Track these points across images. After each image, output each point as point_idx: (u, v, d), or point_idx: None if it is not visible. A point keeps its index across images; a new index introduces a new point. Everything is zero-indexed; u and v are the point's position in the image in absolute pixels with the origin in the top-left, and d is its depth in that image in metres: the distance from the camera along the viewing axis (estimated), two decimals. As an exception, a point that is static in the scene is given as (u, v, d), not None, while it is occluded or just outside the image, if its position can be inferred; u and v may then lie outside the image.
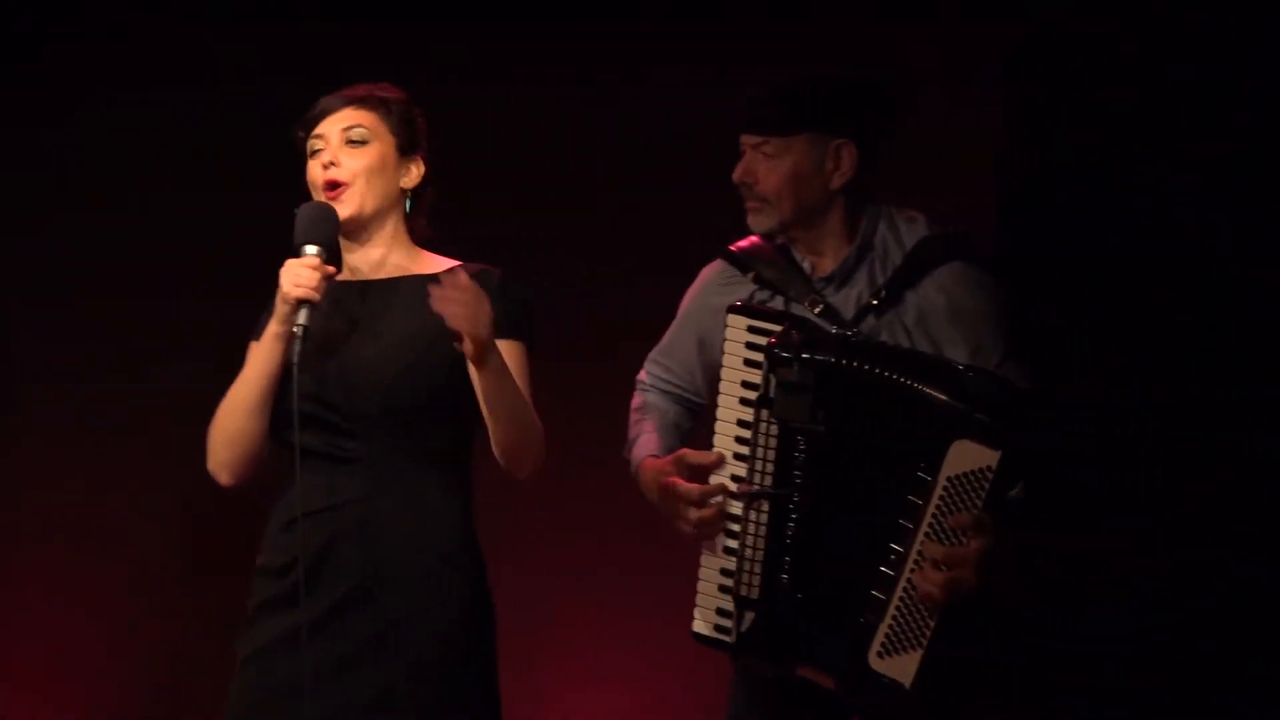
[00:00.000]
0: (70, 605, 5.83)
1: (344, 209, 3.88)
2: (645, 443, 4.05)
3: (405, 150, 3.95)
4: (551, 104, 5.62)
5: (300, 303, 3.77)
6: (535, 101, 5.63)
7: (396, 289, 3.93)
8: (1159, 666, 5.13)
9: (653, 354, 4.17)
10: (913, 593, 3.71)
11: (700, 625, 3.91)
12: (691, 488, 3.85)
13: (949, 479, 3.69)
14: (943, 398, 3.69)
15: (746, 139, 3.94)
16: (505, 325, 3.85)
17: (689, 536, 3.87)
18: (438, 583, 3.84)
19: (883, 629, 3.74)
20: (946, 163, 5.15)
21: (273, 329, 3.82)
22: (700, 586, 3.90)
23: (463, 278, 3.74)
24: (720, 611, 3.88)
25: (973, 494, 3.68)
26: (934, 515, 3.70)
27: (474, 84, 5.64)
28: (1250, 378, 5.17)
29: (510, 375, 3.81)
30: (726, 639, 3.88)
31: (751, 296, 3.97)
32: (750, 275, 4.00)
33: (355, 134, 3.91)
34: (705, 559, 3.89)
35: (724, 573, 3.87)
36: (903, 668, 3.74)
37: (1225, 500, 5.13)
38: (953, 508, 3.68)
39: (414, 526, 3.84)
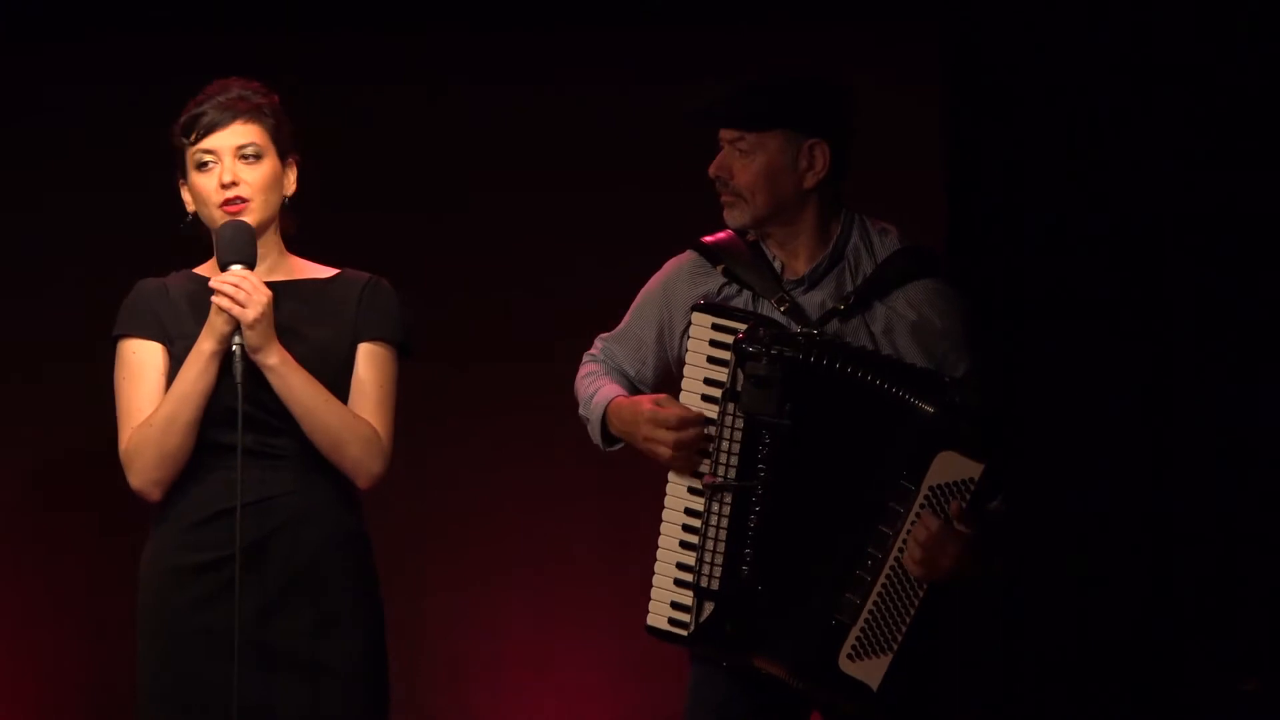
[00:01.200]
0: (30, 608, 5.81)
1: (248, 219, 3.97)
2: (609, 389, 4.07)
3: (283, 158, 4.04)
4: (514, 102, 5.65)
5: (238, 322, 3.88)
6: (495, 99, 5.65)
7: (299, 291, 4.04)
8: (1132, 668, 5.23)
9: (606, 335, 4.19)
10: (888, 600, 3.76)
11: (655, 619, 3.94)
12: (673, 411, 3.88)
13: (931, 488, 3.74)
14: (929, 408, 3.74)
15: (723, 134, 3.97)
16: (394, 331, 4.03)
17: (667, 460, 3.89)
18: (356, 570, 4.00)
19: (855, 631, 3.79)
20: (894, 163, 5.20)
21: (208, 347, 3.91)
22: (656, 580, 3.93)
23: (237, 269, 3.88)
24: (675, 605, 3.91)
25: (953, 503, 3.73)
26: (912, 523, 3.75)
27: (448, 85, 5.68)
28: (1215, 378, 5.24)
29: (299, 374, 3.92)
30: (682, 632, 3.91)
31: (719, 290, 4.00)
32: (720, 268, 4.02)
33: (249, 150, 3.98)
34: (661, 554, 3.92)
35: (681, 567, 3.90)
36: (871, 671, 3.78)
37: (1188, 502, 5.24)
38: (934, 514, 3.73)
39: (336, 516, 3.98)
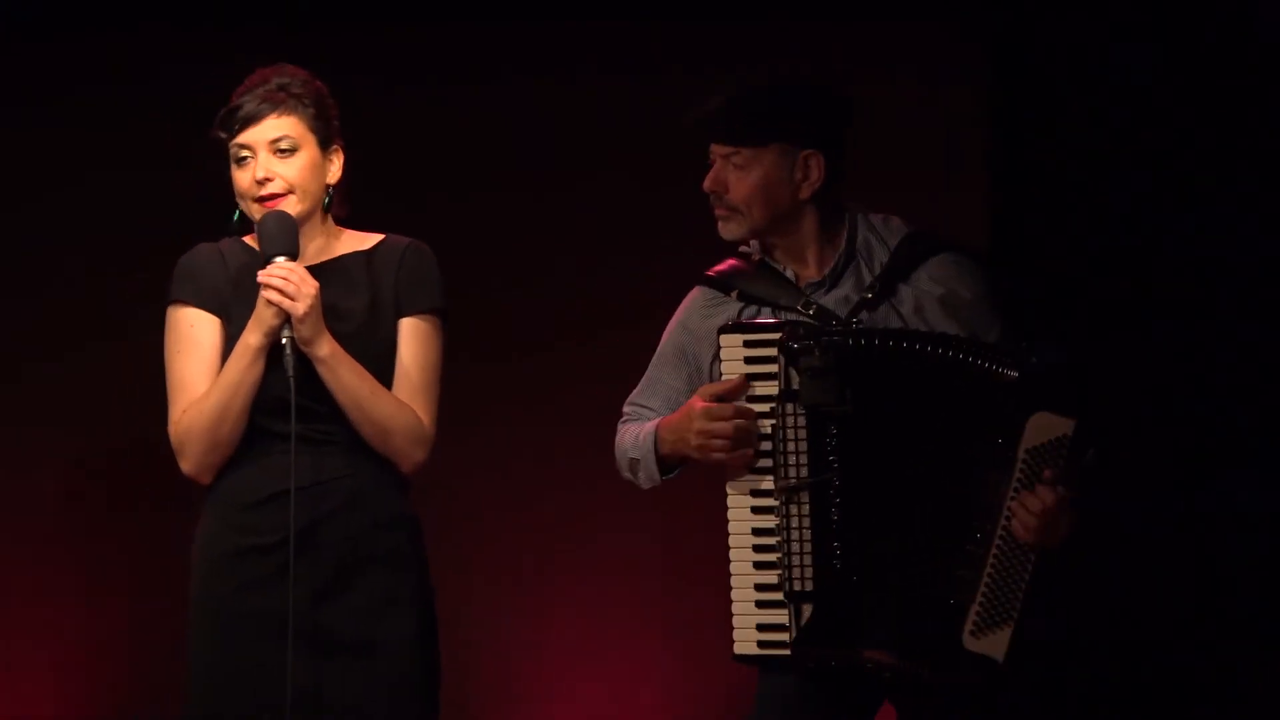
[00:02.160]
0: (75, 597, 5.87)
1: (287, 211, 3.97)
2: (652, 423, 4.02)
3: (325, 146, 4.02)
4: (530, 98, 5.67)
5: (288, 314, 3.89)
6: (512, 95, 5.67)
7: (341, 267, 4.02)
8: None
9: (632, 397, 4.14)
10: (1002, 568, 3.75)
11: (743, 646, 3.89)
12: (725, 405, 3.84)
13: (1028, 451, 3.73)
14: (1014, 373, 3.74)
15: (715, 148, 3.96)
16: (431, 301, 4.01)
17: (725, 456, 3.85)
18: (406, 552, 4.00)
19: (974, 608, 3.76)
20: (936, 162, 5.17)
21: (255, 340, 3.91)
22: (736, 608, 3.88)
23: (281, 260, 3.87)
24: (763, 627, 3.87)
25: (1051, 463, 3.73)
26: (1015, 489, 3.74)
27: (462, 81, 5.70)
28: (1249, 375, 5.19)
29: (347, 365, 3.92)
30: (782, 651, 3.85)
31: (740, 314, 3.97)
32: (734, 294, 4.00)
33: (284, 144, 3.97)
34: (736, 580, 3.87)
35: (760, 588, 3.86)
36: (995, 644, 3.76)
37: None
38: (1033, 479, 3.73)
39: (387, 499, 3.99)
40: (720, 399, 3.84)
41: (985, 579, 3.75)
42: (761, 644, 3.86)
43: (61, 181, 5.81)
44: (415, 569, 4.02)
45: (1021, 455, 3.72)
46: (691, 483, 4.01)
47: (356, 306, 3.99)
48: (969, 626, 3.76)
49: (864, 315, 3.91)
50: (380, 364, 3.97)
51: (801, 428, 3.80)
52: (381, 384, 3.97)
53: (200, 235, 4.13)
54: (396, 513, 4.01)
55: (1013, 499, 3.74)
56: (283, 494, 3.90)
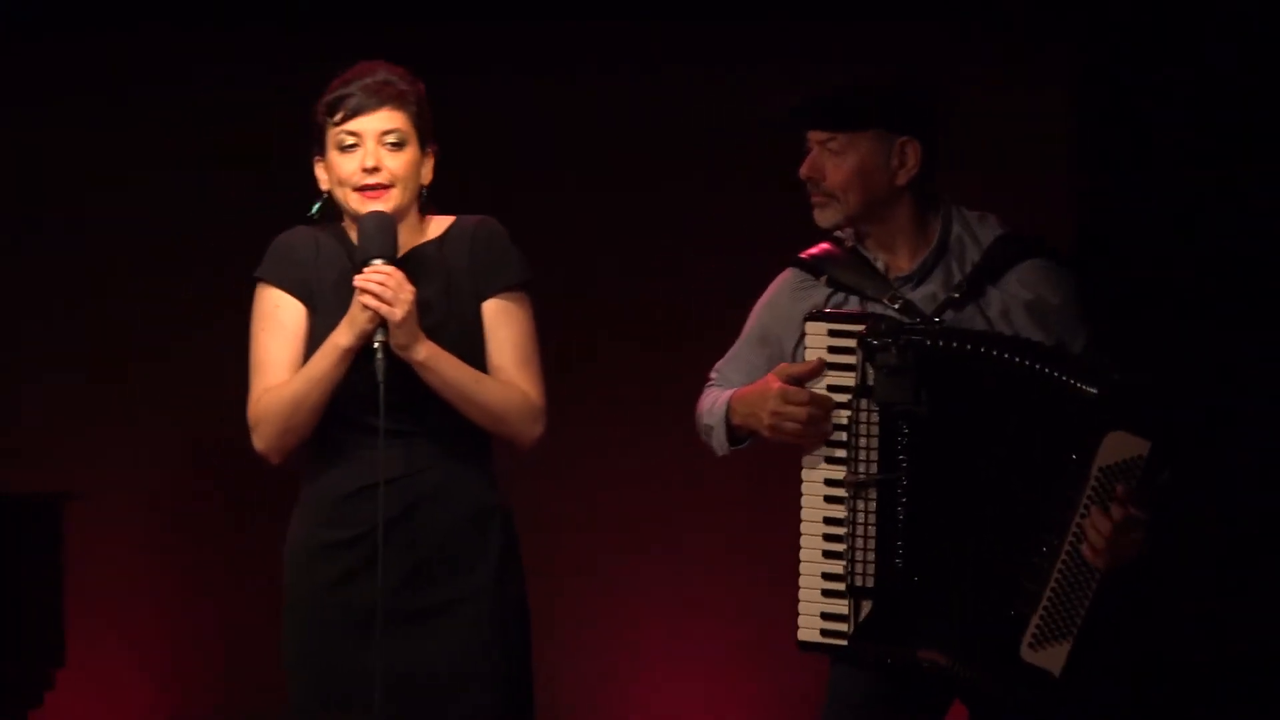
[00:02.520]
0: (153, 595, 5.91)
1: (386, 206, 3.96)
2: (729, 393, 4.04)
3: (424, 147, 4.03)
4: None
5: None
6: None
7: (417, 259, 4.00)
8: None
9: (719, 364, 4.16)
10: (1066, 584, 3.73)
11: (806, 634, 3.90)
12: (801, 390, 3.85)
13: (1102, 469, 3.70)
14: (1093, 389, 3.71)
15: (812, 135, 3.96)
16: (511, 277, 4.01)
17: (798, 438, 3.86)
18: (495, 543, 3.99)
19: (1034, 620, 3.75)
20: (1023, 156, 5.17)
21: (346, 342, 3.89)
22: (802, 595, 3.89)
23: (379, 264, 3.85)
24: (826, 616, 3.88)
25: (1125, 483, 3.71)
26: (1086, 505, 3.72)
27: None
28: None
29: (447, 362, 3.91)
30: (840, 641, 3.87)
31: (827, 300, 3.97)
32: (824, 279, 4.00)
33: (392, 138, 3.96)
34: (804, 566, 3.89)
35: (827, 577, 3.87)
36: (1053, 658, 3.74)
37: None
38: (1105, 497, 3.71)
39: (474, 491, 3.99)
40: (796, 381, 3.85)
41: (1049, 592, 3.74)
42: (824, 633, 3.87)
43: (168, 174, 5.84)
44: (503, 561, 4.00)
45: (1095, 472, 3.70)
46: (779, 477, 4.00)
47: (433, 297, 3.97)
48: (1028, 639, 3.75)
49: (949, 314, 3.90)
50: (464, 349, 3.96)
51: (874, 424, 3.81)
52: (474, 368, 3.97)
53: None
54: (486, 504, 4.00)
55: (1083, 515, 3.72)
56: (367, 488, 3.92)
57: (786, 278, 4.06)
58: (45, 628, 5.66)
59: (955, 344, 3.78)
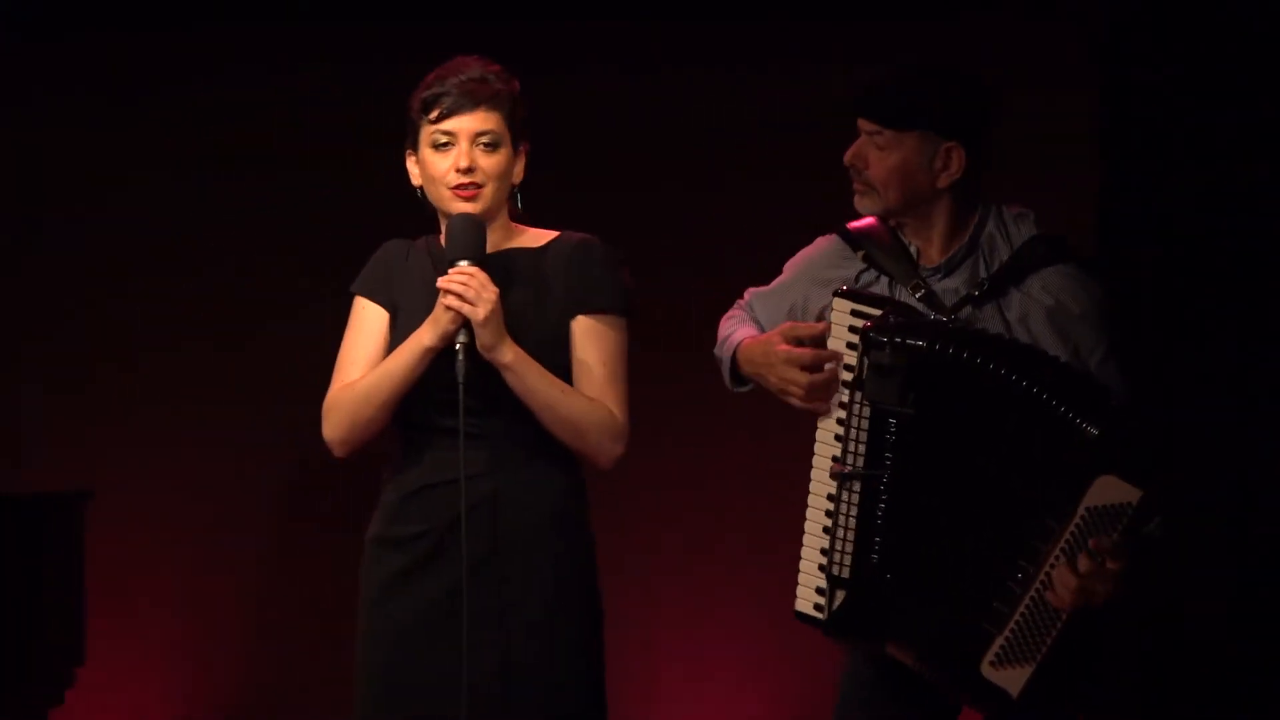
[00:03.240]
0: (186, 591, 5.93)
1: (475, 206, 3.96)
2: (743, 331, 4.09)
3: (517, 146, 4.02)
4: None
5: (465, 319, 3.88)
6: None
7: (509, 263, 3.99)
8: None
9: (756, 290, 4.20)
10: (1036, 612, 3.74)
11: (801, 604, 3.93)
12: (805, 351, 3.88)
13: (1088, 509, 3.70)
14: (1095, 430, 3.71)
15: (861, 124, 3.97)
16: (607, 299, 3.98)
17: (800, 402, 3.90)
18: (559, 551, 3.97)
19: (1000, 640, 3.76)
20: (1046, 154, 5.17)
21: (429, 342, 3.90)
22: (801, 565, 3.92)
23: (464, 265, 3.85)
24: (819, 590, 3.91)
25: (1110, 526, 3.71)
26: (1067, 542, 3.72)
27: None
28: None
29: (534, 369, 3.90)
30: (821, 616, 3.91)
31: (858, 277, 4.00)
32: (860, 254, 4.03)
33: (487, 139, 3.96)
34: (807, 539, 3.91)
35: (823, 552, 3.90)
36: (1012, 679, 3.76)
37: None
38: (1087, 536, 3.71)
39: (541, 495, 3.96)
40: (800, 342, 3.90)
41: (1017, 617, 3.75)
42: (815, 606, 3.90)
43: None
44: (570, 565, 3.98)
45: (1081, 511, 3.70)
46: (798, 482, 4.01)
47: (518, 303, 3.95)
48: (990, 656, 3.76)
49: (966, 310, 3.91)
50: (545, 361, 3.94)
51: (865, 417, 3.83)
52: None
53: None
54: (554, 509, 3.98)
55: (1062, 550, 3.72)
56: (430, 486, 3.94)
57: (828, 243, 4.10)
58: (66, 626, 5.68)
59: (953, 350, 3.78)
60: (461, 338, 3.88)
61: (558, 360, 3.95)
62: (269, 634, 5.94)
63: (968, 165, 3.92)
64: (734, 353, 4.06)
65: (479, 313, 3.85)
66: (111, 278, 6.11)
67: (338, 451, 4.00)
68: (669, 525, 5.75)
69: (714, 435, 5.65)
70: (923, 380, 3.79)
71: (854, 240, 4.04)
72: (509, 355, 3.89)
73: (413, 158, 4.01)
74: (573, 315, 3.98)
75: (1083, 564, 3.68)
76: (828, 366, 3.87)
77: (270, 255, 6.10)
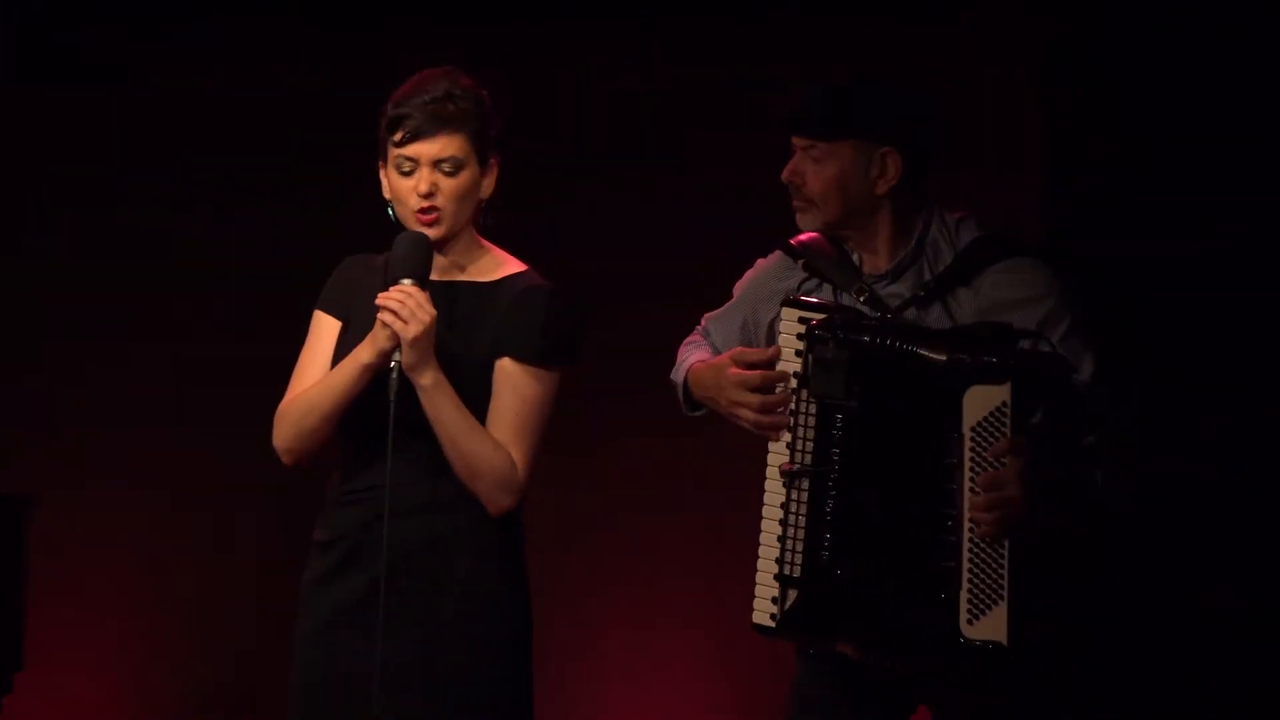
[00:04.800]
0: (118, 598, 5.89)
1: (436, 231, 3.98)
2: (697, 355, 4.13)
3: (484, 162, 4.03)
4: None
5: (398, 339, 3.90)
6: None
7: (454, 294, 4.02)
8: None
9: (709, 316, 4.23)
10: (978, 550, 3.75)
11: (758, 615, 3.92)
12: (754, 373, 3.91)
13: (973, 429, 3.75)
14: (942, 356, 3.77)
15: (795, 140, 3.99)
16: (535, 348, 3.97)
17: (751, 424, 3.92)
18: (476, 566, 3.97)
19: (964, 596, 3.76)
20: (991, 156, 5.17)
21: (364, 358, 3.93)
22: (758, 577, 3.92)
23: (406, 284, 3.88)
24: (774, 600, 3.90)
25: (998, 434, 3.75)
26: (970, 469, 3.76)
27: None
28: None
29: (450, 400, 3.91)
30: (774, 626, 3.90)
31: (800, 285, 4.03)
32: (800, 263, 4.05)
33: (447, 166, 3.97)
34: (762, 550, 3.91)
35: (776, 561, 3.90)
36: (994, 626, 3.74)
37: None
38: (984, 455, 3.75)
39: (459, 509, 3.96)
40: (752, 366, 3.92)
41: (966, 565, 3.76)
42: (772, 617, 3.89)
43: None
44: (486, 579, 3.98)
45: (968, 434, 3.75)
46: (748, 485, 4.00)
47: (450, 335, 3.96)
48: (964, 617, 3.75)
49: (911, 312, 3.93)
50: (465, 399, 3.95)
51: (812, 414, 3.87)
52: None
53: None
54: (479, 521, 3.98)
55: (969, 479, 3.75)
56: (353, 492, 3.98)
57: (771, 259, 4.14)
58: (5, 631, 5.62)
59: (891, 340, 3.82)
60: (398, 355, 3.89)
61: (478, 400, 3.96)
62: (215, 636, 5.90)
63: (905, 170, 3.94)
64: (686, 377, 4.09)
65: (409, 331, 3.86)
66: (68, 279, 6.06)
67: (285, 459, 4.04)
68: (610, 526, 5.74)
69: (662, 436, 5.61)
70: (866, 373, 3.82)
71: (795, 252, 4.07)
72: (428, 378, 3.90)
73: (384, 171, 4.04)
74: (499, 356, 3.98)
75: (983, 481, 3.72)
76: (779, 388, 3.89)
77: (209, 253, 6.07)
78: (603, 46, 5.79)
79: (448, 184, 3.97)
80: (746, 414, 3.92)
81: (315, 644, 4.01)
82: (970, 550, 3.75)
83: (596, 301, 5.27)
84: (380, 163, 4.04)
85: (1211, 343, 5.29)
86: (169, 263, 5.93)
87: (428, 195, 3.95)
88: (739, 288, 4.18)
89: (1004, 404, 3.73)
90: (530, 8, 5.78)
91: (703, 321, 4.24)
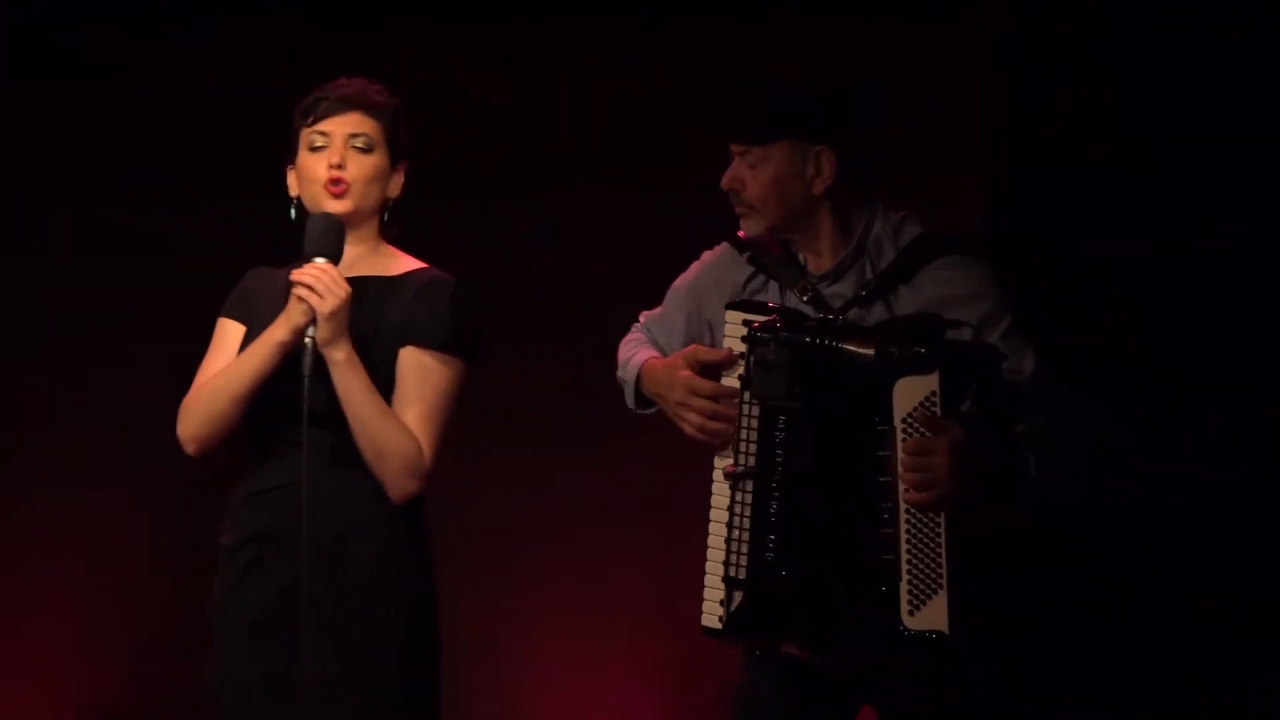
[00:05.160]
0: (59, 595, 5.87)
1: (343, 205, 4.04)
2: (645, 352, 4.16)
3: (394, 162, 4.11)
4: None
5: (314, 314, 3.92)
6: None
7: (362, 288, 4.03)
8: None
9: (646, 316, 4.27)
10: (915, 541, 3.78)
11: (706, 619, 3.96)
12: (705, 381, 3.95)
13: (903, 420, 3.80)
14: (872, 351, 3.80)
15: (732, 147, 4.04)
16: (440, 336, 4.01)
17: (697, 433, 3.95)
18: (387, 559, 4.01)
19: (903, 587, 3.79)
20: (935, 155, 5.18)
21: (280, 336, 3.97)
22: (706, 580, 3.96)
23: (320, 262, 3.94)
24: (722, 603, 3.93)
25: (929, 424, 3.79)
26: (903, 460, 3.80)
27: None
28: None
29: (361, 378, 3.94)
30: (721, 628, 3.93)
31: (747, 281, 4.07)
32: (746, 256, 4.09)
33: (361, 141, 4.06)
34: (710, 552, 3.94)
35: (724, 564, 3.93)
36: (934, 615, 3.78)
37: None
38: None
39: (371, 506, 3.99)
40: (704, 368, 3.95)
41: (904, 556, 3.79)
42: (720, 619, 3.92)
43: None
44: (387, 583, 4.00)
45: (899, 426, 3.79)
46: (696, 486, 4.03)
47: (356, 327, 3.99)
48: (905, 608, 3.79)
49: (853, 312, 3.96)
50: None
51: (754, 416, 3.90)
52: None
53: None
54: (385, 517, 4.01)
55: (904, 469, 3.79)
56: (262, 492, 4.01)
57: (718, 250, 4.17)
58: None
59: (829, 340, 3.86)
60: (311, 331, 3.92)
61: (385, 389, 3.98)
62: (153, 637, 5.88)
63: (840, 168, 3.97)
64: (639, 374, 4.10)
65: (326, 305, 3.90)
66: (39, 279, 6.05)
67: (190, 449, 4.05)
68: (555, 528, 5.74)
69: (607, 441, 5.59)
70: (806, 374, 3.86)
71: (742, 245, 4.10)
72: (342, 353, 3.93)
73: (291, 170, 4.11)
74: (402, 345, 4.01)
75: (909, 447, 3.76)
76: (724, 401, 3.91)
77: (209, 253, 6.05)
78: (603, 46, 5.80)
79: (359, 159, 4.04)
80: (692, 418, 3.95)
81: (235, 655, 4.00)
82: (908, 542, 3.79)
83: (596, 301, 5.31)
84: (288, 164, 4.12)
85: (1211, 343, 5.29)
86: (169, 263, 5.91)
87: (338, 166, 4.01)
88: (682, 280, 4.20)
89: (933, 393, 3.78)
90: (530, 8, 5.79)
91: (641, 319, 4.26)
